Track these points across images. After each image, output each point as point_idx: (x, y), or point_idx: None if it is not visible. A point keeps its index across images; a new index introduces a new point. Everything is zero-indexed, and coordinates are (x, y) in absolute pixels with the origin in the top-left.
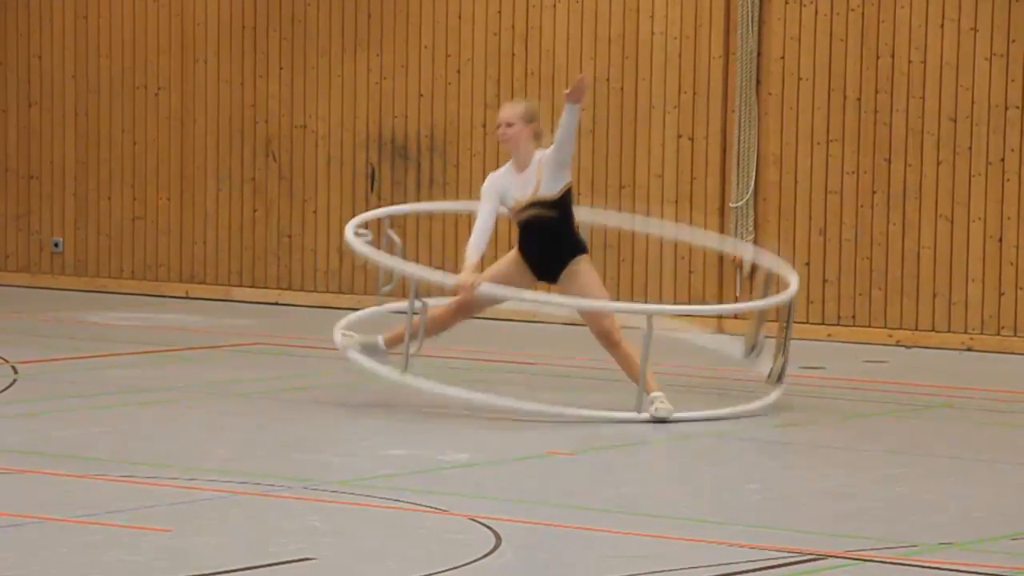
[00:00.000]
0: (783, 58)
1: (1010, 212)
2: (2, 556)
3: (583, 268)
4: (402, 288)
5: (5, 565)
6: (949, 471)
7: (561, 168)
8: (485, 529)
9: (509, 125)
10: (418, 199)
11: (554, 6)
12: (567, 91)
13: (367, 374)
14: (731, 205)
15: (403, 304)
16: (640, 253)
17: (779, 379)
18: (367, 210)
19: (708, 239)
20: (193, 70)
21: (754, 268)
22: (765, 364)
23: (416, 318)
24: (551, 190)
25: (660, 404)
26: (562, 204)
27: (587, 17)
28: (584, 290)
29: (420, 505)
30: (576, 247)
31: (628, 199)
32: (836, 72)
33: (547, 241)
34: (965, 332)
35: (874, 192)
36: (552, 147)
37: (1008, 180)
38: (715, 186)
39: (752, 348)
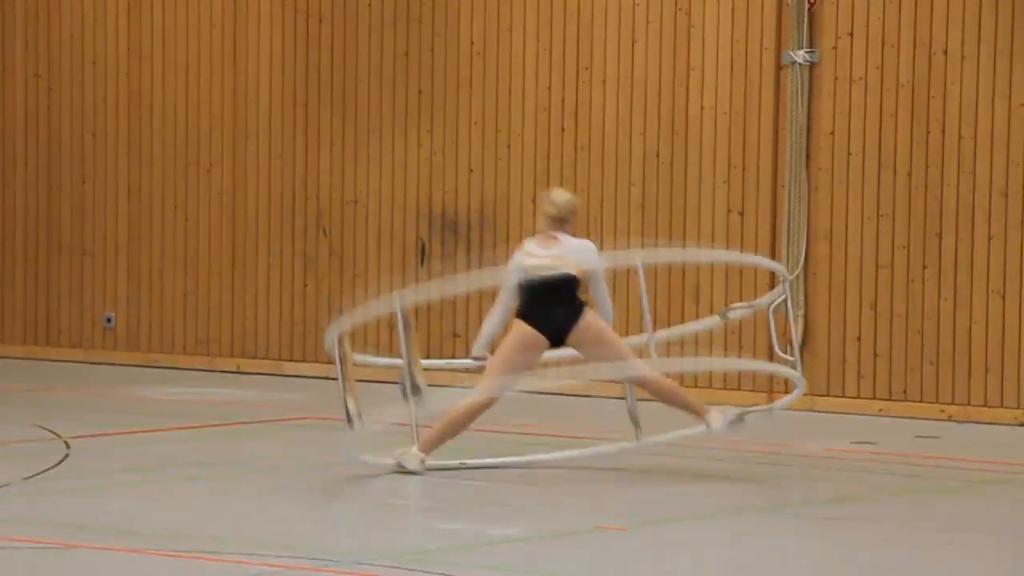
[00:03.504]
0: (833, 133)
1: None
2: None
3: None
4: None
5: None
6: (1001, 548)
7: None
8: None
9: None
10: (468, 273)
11: (603, 81)
12: None
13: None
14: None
15: None
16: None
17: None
18: (417, 284)
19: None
20: (245, 146)
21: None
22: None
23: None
24: None
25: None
26: None
27: (636, 92)
28: None
29: None
30: None
31: (677, 273)
32: (886, 147)
33: None
34: (1018, 407)
35: (925, 267)
36: None
37: None
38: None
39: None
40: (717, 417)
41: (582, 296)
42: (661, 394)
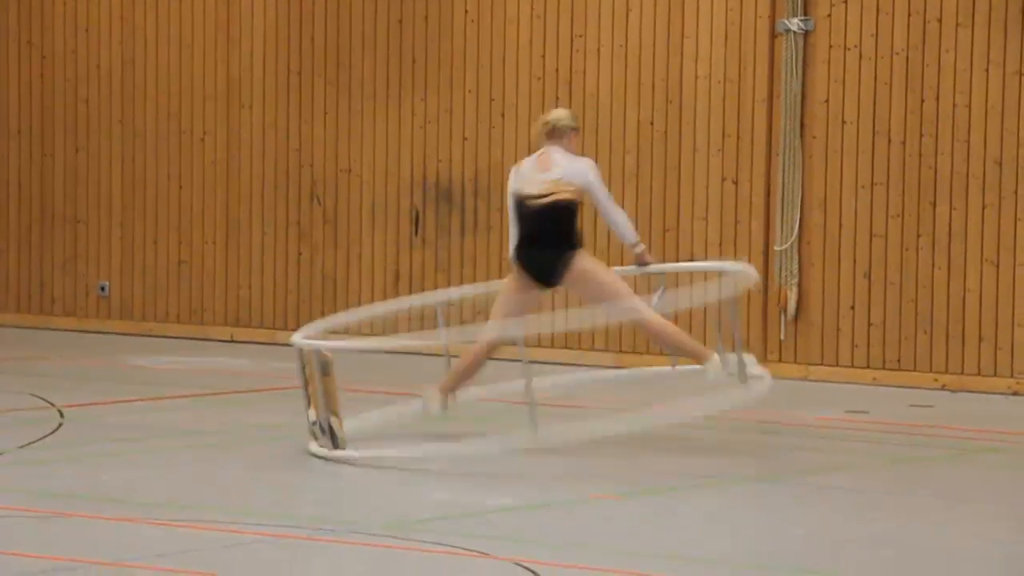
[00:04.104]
0: (827, 101)
1: None
2: None
3: None
4: None
5: None
6: (996, 516)
7: None
8: (530, 574)
9: None
10: (462, 243)
11: (598, 50)
12: None
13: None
14: (775, 248)
15: None
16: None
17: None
18: (411, 254)
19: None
20: (239, 115)
21: (798, 309)
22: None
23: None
24: None
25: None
26: None
27: (631, 61)
28: None
29: (464, 549)
30: None
31: (672, 242)
32: (880, 115)
33: None
34: (1011, 376)
35: (919, 235)
36: None
37: None
38: (759, 229)
39: None
40: (717, 364)
41: (577, 227)
42: (658, 337)
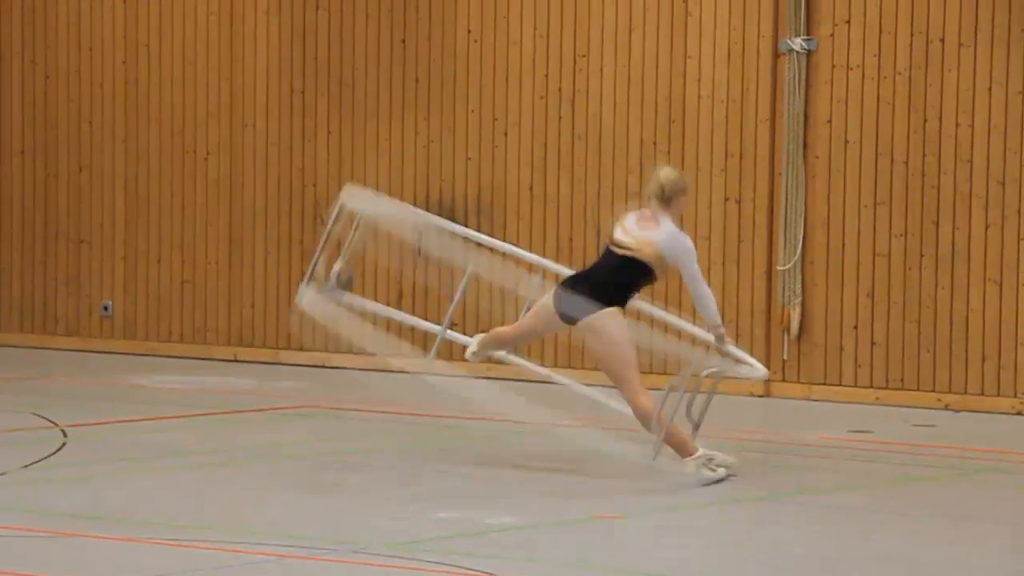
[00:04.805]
0: (830, 121)
1: None
2: None
3: None
4: None
5: None
6: (999, 536)
7: None
8: None
9: None
10: (465, 262)
11: (601, 69)
12: None
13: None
14: (778, 268)
15: None
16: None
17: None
18: (414, 272)
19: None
20: (242, 134)
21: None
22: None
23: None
24: None
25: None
26: None
27: (634, 80)
28: None
29: (469, 569)
30: None
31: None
32: (883, 135)
33: None
34: (1015, 396)
35: (922, 255)
36: None
37: None
38: (762, 249)
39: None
40: (699, 461)
41: (633, 292)
42: (648, 427)
